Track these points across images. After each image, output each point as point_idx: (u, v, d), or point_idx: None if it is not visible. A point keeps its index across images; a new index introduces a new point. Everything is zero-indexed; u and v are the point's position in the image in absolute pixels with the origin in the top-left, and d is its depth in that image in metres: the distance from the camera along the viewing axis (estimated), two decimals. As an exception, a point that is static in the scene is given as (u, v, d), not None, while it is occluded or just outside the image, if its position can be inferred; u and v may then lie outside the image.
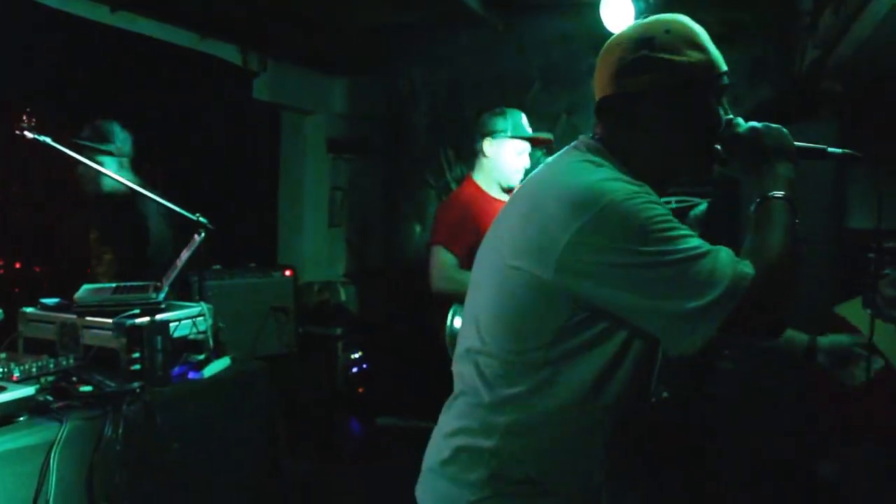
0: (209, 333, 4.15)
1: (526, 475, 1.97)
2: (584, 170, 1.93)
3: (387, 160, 8.29)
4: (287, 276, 6.66)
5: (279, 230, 8.07)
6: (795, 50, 6.22)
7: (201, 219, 4.23)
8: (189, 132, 6.40)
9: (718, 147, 2.05)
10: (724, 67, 2.03)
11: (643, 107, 1.97)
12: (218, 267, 6.15)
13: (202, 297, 4.47)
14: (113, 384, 3.41)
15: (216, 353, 4.16)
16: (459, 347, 2.14)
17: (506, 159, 4.35)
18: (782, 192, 1.98)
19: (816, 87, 5.87)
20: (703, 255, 1.77)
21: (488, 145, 4.38)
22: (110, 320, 3.68)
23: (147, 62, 5.97)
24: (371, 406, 7.66)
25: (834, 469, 4.73)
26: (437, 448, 2.14)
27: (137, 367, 3.58)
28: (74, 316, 3.82)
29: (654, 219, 1.78)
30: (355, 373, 7.58)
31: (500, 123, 4.39)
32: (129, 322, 3.64)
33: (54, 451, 2.99)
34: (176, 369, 3.87)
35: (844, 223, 5.78)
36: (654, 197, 1.89)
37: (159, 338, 3.65)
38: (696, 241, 1.80)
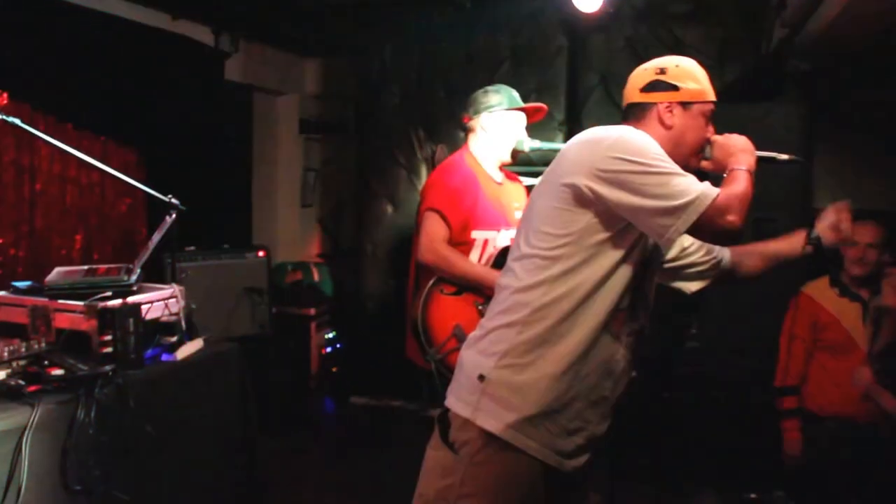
0: (182, 315, 4.14)
1: (534, 350, 2.59)
2: (609, 126, 2.66)
3: (358, 140, 8.27)
4: (260, 257, 6.65)
5: (252, 211, 8.05)
6: (763, 30, 6.24)
7: (173, 200, 4.23)
8: (160, 114, 6.35)
9: (703, 150, 2.81)
10: (713, 98, 2.80)
11: (653, 112, 2.75)
12: (191, 248, 6.12)
13: (175, 279, 4.47)
14: (85, 368, 3.41)
15: (189, 335, 4.16)
16: (504, 265, 2.82)
17: (504, 131, 4.35)
18: (743, 166, 2.65)
19: (784, 66, 5.90)
20: (683, 174, 2.48)
21: (486, 120, 4.39)
22: (82, 303, 3.67)
23: (117, 43, 5.93)
24: (345, 385, 7.68)
25: (800, 444, 4.77)
26: (475, 333, 2.77)
27: (110, 349, 3.58)
28: (46, 299, 3.80)
29: (653, 147, 2.53)
30: (329, 352, 7.60)
31: (494, 98, 4.40)
32: (101, 305, 3.63)
33: (26, 436, 2.99)
34: (149, 352, 3.87)
35: (810, 203, 5.82)
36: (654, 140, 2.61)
37: (131, 320, 3.64)
38: (678, 168, 2.50)
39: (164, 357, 3.94)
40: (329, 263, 8.37)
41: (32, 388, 3.24)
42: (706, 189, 2.46)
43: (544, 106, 4.56)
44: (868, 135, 5.88)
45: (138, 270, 4.04)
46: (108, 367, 3.43)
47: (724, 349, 5.63)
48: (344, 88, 8.41)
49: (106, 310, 3.62)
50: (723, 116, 5.73)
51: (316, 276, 7.88)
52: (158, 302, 4.04)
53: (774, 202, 5.54)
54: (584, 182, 2.51)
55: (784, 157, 3.01)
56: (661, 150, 2.55)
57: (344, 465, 6.28)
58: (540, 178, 2.78)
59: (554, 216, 2.60)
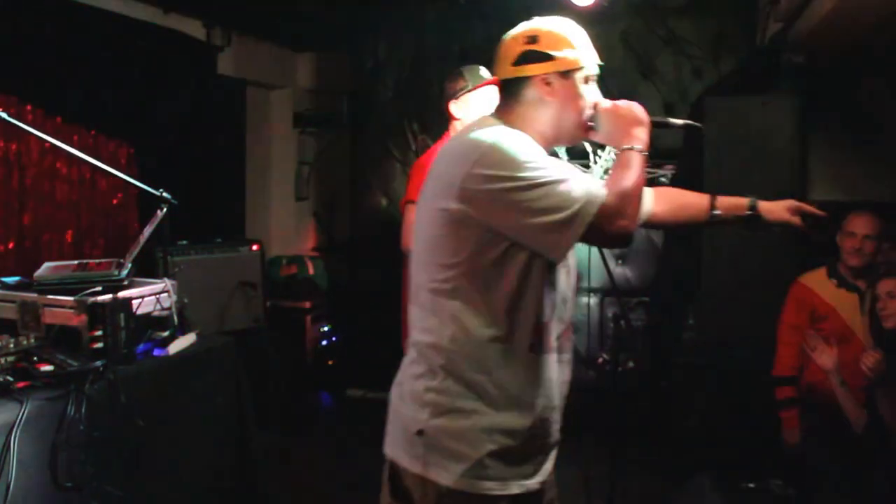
0: (174, 310, 4.12)
1: (465, 392, 2.41)
2: (479, 128, 2.44)
3: (353, 134, 8.27)
4: (254, 251, 6.64)
5: (246, 205, 8.00)
6: (758, 23, 6.23)
7: (164, 194, 4.20)
8: (153, 108, 6.32)
9: (590, 121, 2.55)
10: (590, 62, 2.52)
11: (529, 88, 2.49)
12: (184, 242, 6.11)
13: (167, 273, 4.44)
14: (75, 363, 3.40)
15: (181, 330, 4.13)
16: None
17: (474, 112, 4.30)
18: (637, 146, 2.46)
19: (778, 59, 5.89)
20: (563, 180, 2.27)
21: (454, 107, 4.37)
22: (72, 298, 3.65)
23: (108, 37, 5.89)
24: (340, 378, 7.67)
25: (797, 434, 4.76)
26: (399, 376, 2.60)
27: (100, 345, 3.57)
28: (35, 294, 3.78)
29: (524, 153, 2.30)
30: (324, 346, 7.58)
31: (459, 83, 4.37)
32: (91, 300, 3.61)
33: (15, 433, 2.97)
34: (140, 347, 3.85)
35: (805, 195, 5.82)
36: (530, 140, 2.42)
37: (122, 315, 3.64)
38: (558, 171, 2.30)
39: (156, 352, 3.91)
40: (324, 256, 8.33)
41: (21, 385, 3.23)
42: (590, 193, 2.28)
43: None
44: (862, 127, 5.88)
45: (129, 265, 4.01)
46: (98, 363, 3.42)
47: (721, 339, 5.63)
48: (338, 82, 8.37)
49: (96, 305, 3.60)
50: (718, 109, 5.79)
51: (311, 270, 7.83)
52: (150, 296, 4.02)
53: (769, 195, 5.53)
54: (457, 206, 2.31)
55: (678, 121, 2.81)
56: (534, 151, 2.35)
57: (340, 459, 6.26)
58: (421, 192, 2.55)
59: (440, 244, 2.40)
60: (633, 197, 2.37)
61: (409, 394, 2.47)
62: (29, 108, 5.27)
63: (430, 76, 7.42)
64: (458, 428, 2.38)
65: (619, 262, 7.03)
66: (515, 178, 2.25)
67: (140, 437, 3.54)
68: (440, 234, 2.39)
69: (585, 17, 6.58)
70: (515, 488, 2.45)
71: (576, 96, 2.50)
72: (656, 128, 2.63)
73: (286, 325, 7.25)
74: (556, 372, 2.54)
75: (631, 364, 6.42)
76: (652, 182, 6.55)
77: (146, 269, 4.52)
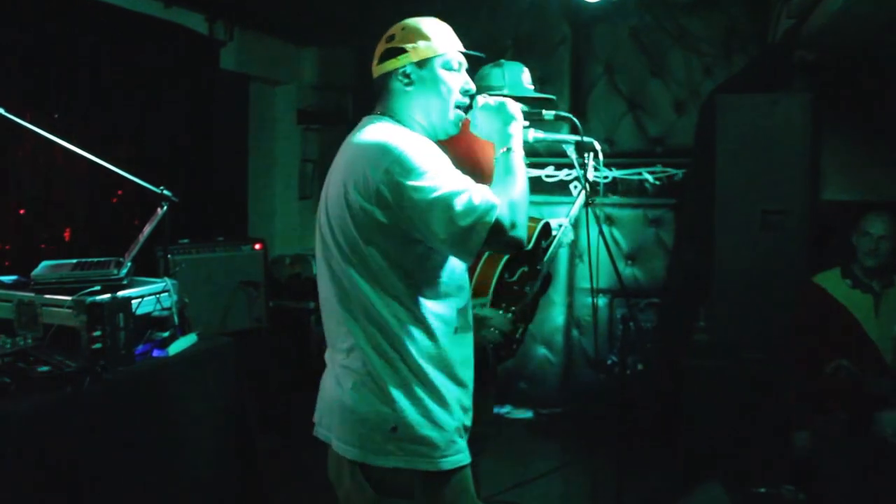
0: (174, 310, 4.06)
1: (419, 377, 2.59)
2: (378, 129, 2.61)
3: (357, 131, 8.19)
4: (257, 250, 6.57)
5: (249, 203, 7.95)
6: (770, 20, 6.17)
7: (165, 191, 4.14)
8: (153, 104, 6.25)
9: (466, 111, 2.78)
10: (446, 50, 2.72)
11: (393, 81, 2.71)
12: (185, 241, 6.05)
13: (167, 273, 4.39)
14: (73, 364, 3.36)
15: (182, 330, 4.08)
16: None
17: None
18: (510, 147, 2.67)
19: (790, 56, 5.83)
20: (463, 191, 2.42)
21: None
22: (70, 298, 3.59)
23: (108, 30, 5.81)
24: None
25: (808, 437, 4.72)
26: (337, 373, 2.72)
27: (99, 345, 3.48)
28: (32, 294, 3.74)
29: (431, 163, 2.46)
30: (328, 347, 7.51)
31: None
32: (90, 299, 3.54)
33: (11, 435, 2.93)
34: (139, 347, 3.80)
35: (818, 195, 5.76)
36: (432, 145, 2.61)
37: (121, 315, 3.57)
38: (458, 180, 2.47)
39: (156, 353, 3.86)
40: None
41: (18, 386, 3.17)
42: (486, 206, 2.43)
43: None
44: (875, 125, 5.80)
45: (129, 264, 3.96)
46: (97, 364, 3.37)
47: (733, 342, 5.57)
48: (342, 78, 8.32)
49: (95, 304, 3.52)
50: (729, 107, 5.73)
51: (314, 269, 7.74)
52: (150, 296, 3.96)
53: (782, 194, 5.50)
54: (373, 208, 2.47)
55: (550, 114, 2.98)
56: (438, 159, 2.52)
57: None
58: (332, 192, 2.68)
59: (362, 244, 2.53)
60: (521, 205, 2.54)
61: (371, 394, 2.57)
62: (27, 104, 5.18)
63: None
64: (426, 414, 2.56)
65: (629, 262, 6.97)
66: (421, 187, 2.41)
67: (138, 439, 3.50)
68: (362, 237, 2.51)
69: (595, 13, 6.59)
70: (470, 456, 2.68)
71: (435, 82, 2.70)
72: (532, 119, 2.91)
73: (289, 326, 7.20)
74: (472, 347, 2.79)
75: (640, 366, 6.35)
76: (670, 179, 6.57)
77: (146, 268, 4.47)
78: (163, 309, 4.03)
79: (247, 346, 4.61)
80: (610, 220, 7.02)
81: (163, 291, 4.06)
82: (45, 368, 3.32)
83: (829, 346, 4.69)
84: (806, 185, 5.59)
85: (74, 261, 4.09)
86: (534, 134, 4.26)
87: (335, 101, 8.38)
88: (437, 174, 2.44)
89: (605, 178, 6.86)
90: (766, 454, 5.23)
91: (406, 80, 2.69)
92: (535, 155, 6.87)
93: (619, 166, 6.92)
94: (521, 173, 2.62)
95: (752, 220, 5.60)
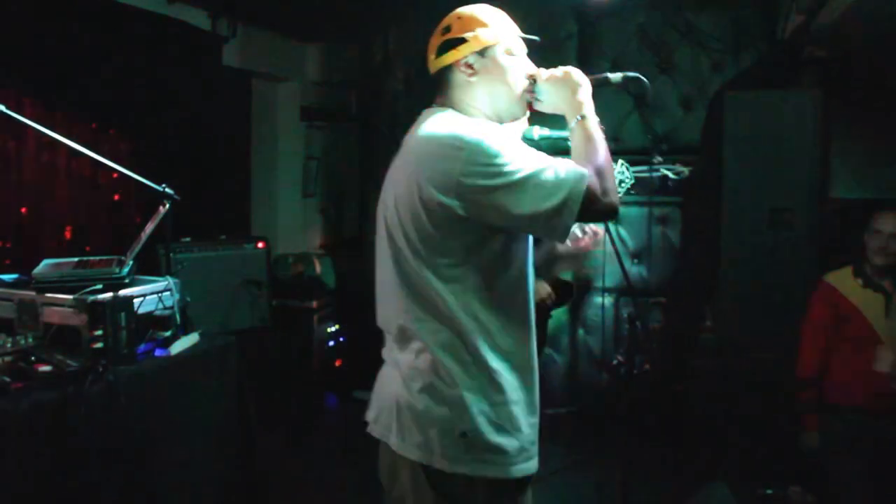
0: (176, 309, 4.06)
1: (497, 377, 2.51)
2: (447, 122, 2.50)
3: (361, 128, 8.22)
4: (260, 248, 6.56)
5: (252, 201, 7.94)
6: (779, 15, 6.14)
7: (167, 189, 4.13)
8: (156, 100, 6.25)
9: (530, 91, 2.68)
10: (507, 36, 2.65)
11: (454, 74, 2.63)
12: (188, 239, 6.04)
13: (169, 271, 4.38)
14: (74, 363, 3.35)
15: (184, 329, 4.08)
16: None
17: None
18: (589, 114, 2.57)
19: (800, 53, 5.80)
20: (547, 167, 2.36)
21: None
22: (71, 297, 3.59)
23: (110, 27, 5.81)
24: (348, 380, 7.59)
25: (817, 437, 4.69)
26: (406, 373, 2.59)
27: (100, 345, 3.49)
28: (33, 292, 3.72)
29: (508, 146, 2.38)
30: (331, 346, 7.51)
31: None
32: (91, 298, 3.54)
33: (12, 435, 2.92)
34: (141, 347, 3.79)
35: (827, 193, 5.73)
36: (503, 130, 2.58)
37: (123, 314, 3.57)
38: (538, 158, 2.40)
39: (158, 352, 3.85)
40: (331, 255, 8.25)
41: (18, 385, 3.16)
42: (576, 176, 2.37)
43: None
44: (885, 122, 5.76)
45: (130, 262, 3.95)
46: (98, 363, 3.36)
47: (740, 342, 5.55)
48: (346, 75, 8.32)
49: (96, 303, 3.53)
50: (738, 104, 5.70)
51: (318, 268, 7.77)
52: (152, 295, 3.95)
53: (790, 192, 5.46)
54: (453, 202, 2.37)
55: (617, 76, 2.78)
56: (513, 142, 2.45)
57: (347, 462, 6.19)
58: (401, 190, 2.56)
59: (439, 241, 2.45)
60: (608, 170, 2.47)
61: (441, 397, 2.47)
62: (28, 101, 5.18)
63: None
64: (498, 421, 2.47)
65: (636, 261, 6.93)
66: (506, 172, 2.33)
67: (140, 439, 3.49)
68: (440, 233, 2.43)
69: (601, 9, 6.55)
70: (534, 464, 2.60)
71: (499, 70, 2.63)
72: (598, 86, 2.70)
73: (292, 325, 7.19)
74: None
75: (647, 366, 6.32)
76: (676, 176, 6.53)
77: (148, 266, 4.45)
78: (165, 308, 4.02)
79: (249, 346, 4.60)
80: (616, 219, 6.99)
81: (165, 290, 4.05)
82: (46, 368, 3.32)
83: (840, 346, 4.67)
84: (814, 183, 5.56)
85: (76, 259, 4.09)
86: (539, 131, 4.24)
87: (339, 98, 8.38)
88: (515, 156, 2.37)
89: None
90: (773, 454, 5.20)
91: (469, 71, 2.61)
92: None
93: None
94: (601, 138, 2.54)
95: (759, 219, 5.57)
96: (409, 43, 7.71)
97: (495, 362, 2.47)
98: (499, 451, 2.46)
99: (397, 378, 2.58)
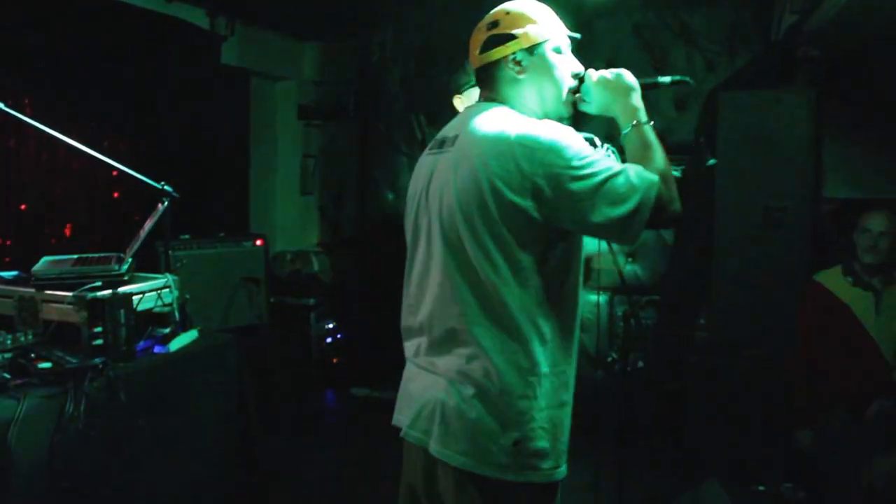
0: (175, 306, 4.06)
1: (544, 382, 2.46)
2: (512, 120, 2.45)
3: (359, 126, 8.22)
4: (258, 246, 6.57)
5: (250, 199, 7.96)
6: (773, 15, 6.15)
7: (165, 187, 4.13)
8: (155, 98, 6.27)
9: (576, 91, 2.64)
10: (556, 33, 2.61)
11: (502, 70, 2.60)
12: (186, 237, 6.05)
13: (168, 268, 4.39)
14: (74, 360, 3.34)
15: (183, 326, 4.08)
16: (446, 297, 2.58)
17: None
18: (645, 119, 2.53)
19: (793, 53, 5.82)
20: (620, 172, 2.32)
21: (458, 102, 4.30)
22: (70, 294, 3.58)
23: (109, 25, 5.84)
24: (346, 377, 7.61)
25: (810, 435, 4.72)
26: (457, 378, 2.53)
27: (100, 342, 3.48)
28: (33, 290, 3.72)
29: (583, 149, 2.35)
30: (329, 343, 7.53)
31: (462, 77, 4.30)
32: (91, 295, 3.53)
33: (12, 431, 2.90)
34: (141, 343, 3.79)
35: (820, 192, 5.74)
36: (571, 130, 2.43)
37: (122, 311, 3.55)
38: (611, 162, 2.36)
39: (157, 349, 3.85)
40: (329, 252, 8.27)
41: (18, 382, 3.17)
42: (648, 183, 2.33)
43: None
44: (879, 122, 5.78)
45: (129, 259, 3.95)
46: (97, 360, 3.35)
47: (733, 339, 5.56)
48: (344, 73, 8.33)
49: (96, 300, 3.51)
50: (731, 104, 5.72)
51: (316, 266, 7.79)
52: (151, 292, 3.95)
53: (783, 191, 5.49)
54: (526, 203, 2.33)
55: (667, 79, 2.74)
56: (586, 144, 2.40)
57: (345, 459, 6.21)
58: (461, 186, 2.47)
59: (507, 242, 2.39)
60: (671, 177, 2.42)
61: (495, 405, 2.41)
62: (27, 99, 5.20)
63: (438, 67, 7.37)
64: (547, 427, 2.46)
65: (630, 259, 6.95)
66: (581, 176, 2.30)
67: (140, 436, 3.48)
68: (510, 234, 2.37)
69: (596, 9, 6.57)
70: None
71: (548, 68, 2.59)
72: (647, 90, 2.65)
73: (290, 322, 7.22)
74: None
75: (640, 364, 6.34)
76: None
77: (147, 264, 4.46)
78: (164, 305, 4.01)
79: (248, 342, 4.60)
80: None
81: (164, 287, 4.05)
82: (45, 365, 3.30)
83: (831, 345, 4.72)
84: (808, 182, 5.57)
85: (75, 256, 4.07)
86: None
87: (336, 97, 8.38)
88: (591, 160, 2.33)
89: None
90: (766, 452, 5.23)
91: (518, 68, 2.57)
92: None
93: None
94: (658, 144, 2.49)
95: (753, 217, 5.59)
96: (406, 42, 7.73)
97: (549, 368, 2.44)
98: (545, 456, 2.44)
99: (440, 382, 2.51)
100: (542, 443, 2.43)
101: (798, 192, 5.52)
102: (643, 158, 2.44)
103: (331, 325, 7.57)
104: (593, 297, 6.89)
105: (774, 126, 5.57)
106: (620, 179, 2.31)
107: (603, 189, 2.29)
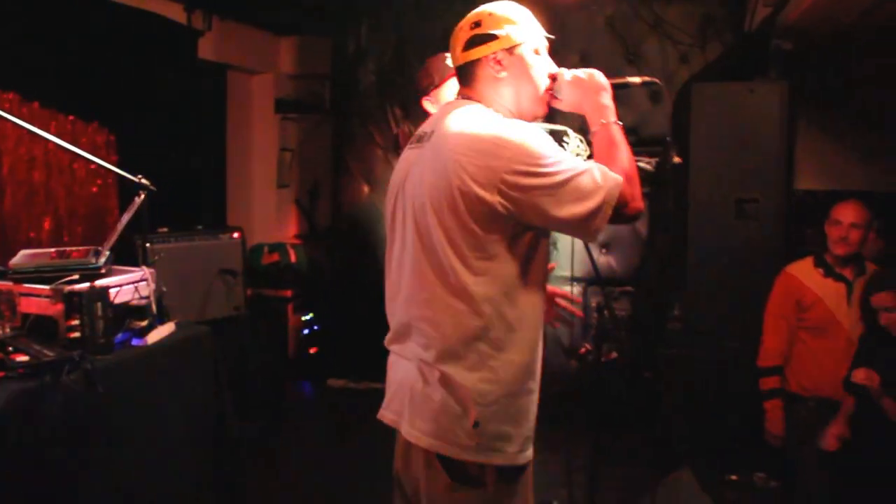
0: (152, 298, 4.03)
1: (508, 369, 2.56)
2: (480, 117, 2.56)
3: (335, 120, 8.23)
4: (235, 238, 6.58)
5: (227, 192, 7.96)
6: (746, 8, 6.18)
7: (143, 180, 4.11)
8: (131, 92, 6.24)
9: (550, 89, 2.72)
10: (534, 35, 2.68)
11: (482, 69, 2.67)
12: (164, 230, 6.05)
13: (145, 262, 4.38)
14: (51, 353, 3.31)
15: (160, 319, 4.05)
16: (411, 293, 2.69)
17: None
18: (613, 119, 2.65)
19: (766, 45, 5.85)
20: (585, 171, 2.43)
21: (427, 104, 4.28)
22: (48, 287, 3.58)
23: (85, 19, 5.82)
24: (322, 368, 7.62)
25: (778, 424, 4.77)
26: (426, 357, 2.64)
27: (77, 334, 3.49)
28: (10, 283, 3.69)
29: (549, 149, 2.44)
30: (306, 335, 7.53)
31: (425, 79, 4.26)
32: (68, 288, 3.54)
33: (-11, 424, 2.89)
34: (118, 336, 3.76)
35: (792, 184, 5.78)
36: (539, 129, 2.57)
37: (99, 304, 3.54)
38: (576, 162, 2.47)
39: (134, 342, 3.83)
40: (306, 244, 8.27)
41: None
42: (612, 181, 2.45)
43: None
44: (850, 115, 5.84)
45: (107, 253, 3.93)
46: (75, 353, 3.33)
47: (707, 330, 5.60)
48: (320, 67, 8.33)
49: (73, 293, 3.52)
50: (704, 96, 5.76)
51: (293, 258, 7.79)
52: (128, 285, 3.93)
53: (755, 183, 5.53)
54: (494, 199, 2.41)
55: (636, 79, 2.86)
56: (552, 144, 2.49)
57: (322, 450, 6.23)
58: (427, 180, 2.58)
59: (470, 234, 2.48)
60: (635, 174, 2.55)
61: (455, 385, 2.51)
62: (4, 94, 5.17)
63: (413, 60, 7.39)
64: (510, 411, 2.55)
65: (603, 250, 6.98)
66: (547, 173, 2.39)
67: (117, 429, 3.48)
68: (478, 226, 2.45)
69: (570, 1, 6.58)
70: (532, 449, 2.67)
71: (526, 68, 2.67)
72: (618, 90, 2.75)
73: (267, 314, 7.23)
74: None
75: (614, 354, 6.38)
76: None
77: (126, 257, 4.45)
78: (141, 298, 3.99)
79: (225, 334, 4.59)
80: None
81: (141, 280, 4.03)
82: (23, 358, 3.28)
83: (802, 335, 4.77)
84: (780, 174, 5.61)
85: (52, 250, 4.04)
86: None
87: (313, 91, 8.38)
88: (557, 158, 2.43)
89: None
90: (738, 441, 5.26)
91: (498, 67, 2.65)
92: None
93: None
94: (624, 143, 2.61)
95: (726, 209, 5.63)
96: (382, 35, 7.73)
97: (514, 355, 2.54)
98: (508, 440, 2.53)
99: (411, 367, 2.63)
100: (505, 427, 2.52)
101: (770, 183, 5.56)
102: (608, 156, 2.56)
103: (308, 317, 7.57)
104: (567, 289, 6.92)
105: (747, 117, 5.61)
106: (584, 178, 2.42)
107: (567, 187, 2.39)
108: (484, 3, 2.74)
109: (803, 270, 4.83)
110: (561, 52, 6.96)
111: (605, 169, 2.47)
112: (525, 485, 2.66)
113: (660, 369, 5.94)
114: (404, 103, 7.56)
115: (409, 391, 2.61)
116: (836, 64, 5.80)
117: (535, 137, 2.44)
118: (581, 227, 2.46)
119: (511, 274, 2.51)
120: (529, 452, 2.62)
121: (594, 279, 6.67)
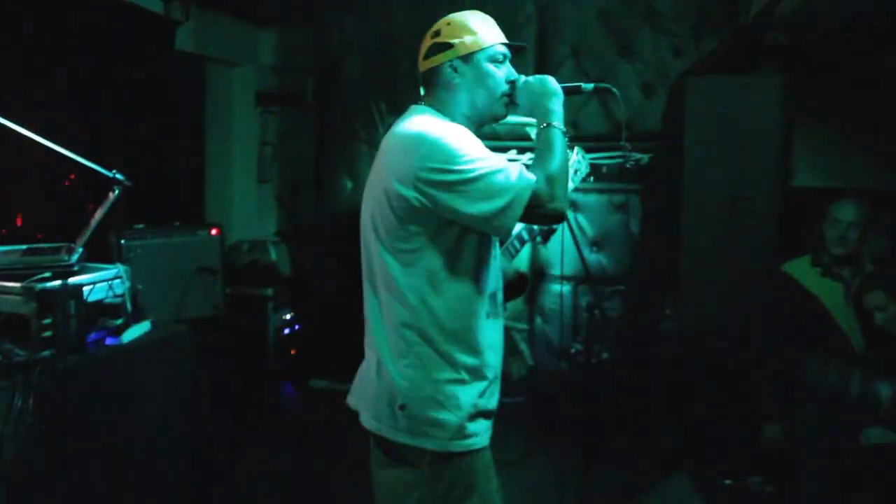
0: (126, 296, 4.03)
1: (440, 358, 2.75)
2: (419, 120, 2.74)
3: (317, 113, 8.16)
4: (213, 235, 6.47)
5: (206, 187, 7.85)
6: (742, 0, 6.10)
7: (117, 175, 4.07)
8: (107, 85, 6.15)
9: (509, 94, 2.89)
10: (495, 41, 2.87)
11: (440, 75, 2.86)
12: (140, 226, 5.94)
13: (120, 258, 4.31)
14: (22, 353, 3.35)
15: (135, 317, 4.05)
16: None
17: None
18: (555, 122, 2.78)
19: (763, 38, 5.78)
20: (498, 170, 2.58)
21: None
22: (19, 284, 3.54)
23: (61, 10, 5.71)
24: (303, 368, 7.55)
25: (777, 430, 4.71)
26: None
27: (49, 333, 3.47)
28: (-19, 281, 3.65)
29: (466, 147, 2.60)
30: (287, 334, 7.43)
31: None
32: (40, 286, 3.51)
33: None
34: (92, 335, 3.77)
35: (788, 180, 5.71)
36: (469, 133, 2.72)
37: (72, 302, 3.54)
38: (494, 161, 2.62)
39: (109, 341, 3.84)
40: (287, 242, 8.17)
41: None
42: (523, 182, 2.59)
43: None
44: (847, 111, 5.77)
45: (80, 249, 3.91)
46: (47, 353, 3.36)
47: (700, 330, 5.53)
48: (301, 59, 8.24)
49: (45, 291, 3.49)
50: (699, 89, 5.66)
51: (273, 255, 7.70)
52: (102, 283, 3.91)
53: (752, 179, 5.44)
54: (413, 195, 2.61)
55: (590, 85, 3.03)
56: (472, 143, 2.65)
57: (302, 452, 6.19)
58: (373, 180, 2.82)
59: (399, 230, 2.69)
60: (560, 178, 2.67)
61: (388, 371, 2.74)
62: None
63: (398, 54, 7.35)
64: (437, 398, 2.70)
65: (594, 249, 6.90)
66: (458, 171, 2.56)
67: (90, 430, 3.49)
68: (399, 220, 2.67)
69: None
70: (488, 439, 2.83)
71: (481, 76, 2.85)
72: (570, 95, 2.92)
73: (247, 313, 7.14)
74: (502, 334, 2.94)
75: (605, 355, 6.31)
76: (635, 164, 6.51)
77: (101, 254, 4.37)
78: (115, 296, 3.97)
79: (204, 333, 4.56)
80: (574, 206, 6.93)
81: (115, 278, 4.01)
82: None
83: (800, 336, 4.69)
84: (776, 171, 5.53)
85: (24, 247, 4.02)
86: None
87: (295, 84, 8.28)
88: (472, 158, 2.58)
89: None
90: (733, 445, 5.20)
91: (453, 74, 2.83)
92: (497, 139, 6.77)
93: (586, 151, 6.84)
94: (561, 147, 2.73)
95: (720, 207, 5.54)
96: (366, 28, 7.66)
97: (441, 344, 2.71)
98: (440, 426, 2.68)
99: (370, 356, 2.86)
100: (433, 413, 2.69)
101: (766, 179, 5.47)
102: (542, 158, 2.71)
103: (289, 316, 7.48)
104: (556, 288, 6.83)
105: (742, 112, 5.51)
106: (497, 177, 2.58)
107: (478, 184, 2.56)
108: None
109: (800, 269, 4.83)
110: (550, 46, 6.89)
111: (523, 170, 2.63)
112: (470, 473, 2.76)
113: (652, 371, 5.86)
114: (389, 96, 7.50)
115: (362, 378, 2.89)
116: (833, 58, 5.71)
117: (457, 137, 2.62)
118: (489, 223, 2.60)
119: (436, 266, 2.69)
120: (472, 441, 2.74)
121: (584, 278, 6.60)
